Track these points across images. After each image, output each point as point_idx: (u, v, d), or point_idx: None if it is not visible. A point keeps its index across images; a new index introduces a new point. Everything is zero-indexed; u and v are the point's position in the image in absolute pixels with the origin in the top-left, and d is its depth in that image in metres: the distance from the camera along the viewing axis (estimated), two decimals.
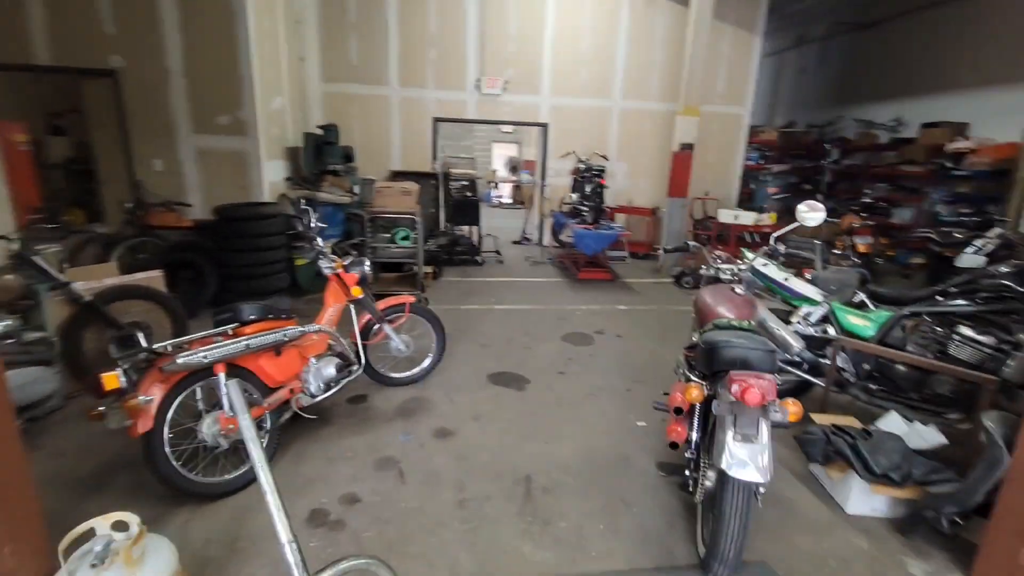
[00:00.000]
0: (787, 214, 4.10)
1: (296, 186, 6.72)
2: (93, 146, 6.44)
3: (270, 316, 2.73)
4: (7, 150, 8.03)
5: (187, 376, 2.36)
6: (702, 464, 2.18)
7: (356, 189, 7.93)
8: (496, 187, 17.52)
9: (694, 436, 2.20)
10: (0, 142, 7.98)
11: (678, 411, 2.05)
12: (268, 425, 2.70)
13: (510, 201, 17.15)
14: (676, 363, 2.86)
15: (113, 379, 2.11)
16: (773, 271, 3.45)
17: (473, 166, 18.68)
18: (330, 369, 2.98)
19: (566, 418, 3.37)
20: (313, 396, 2.92)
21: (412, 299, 3.60)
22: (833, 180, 10.15)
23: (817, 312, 3.34)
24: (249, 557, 2.12)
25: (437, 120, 8.75)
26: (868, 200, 8.39)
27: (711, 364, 2.02)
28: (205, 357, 2.31)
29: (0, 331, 2.76)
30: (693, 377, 2.21)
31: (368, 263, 3.43)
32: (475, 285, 6.68)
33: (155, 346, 2.26)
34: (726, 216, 7.00)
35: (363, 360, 3.27)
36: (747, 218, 6.86)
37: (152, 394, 2.23)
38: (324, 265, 3.22)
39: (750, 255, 3.27)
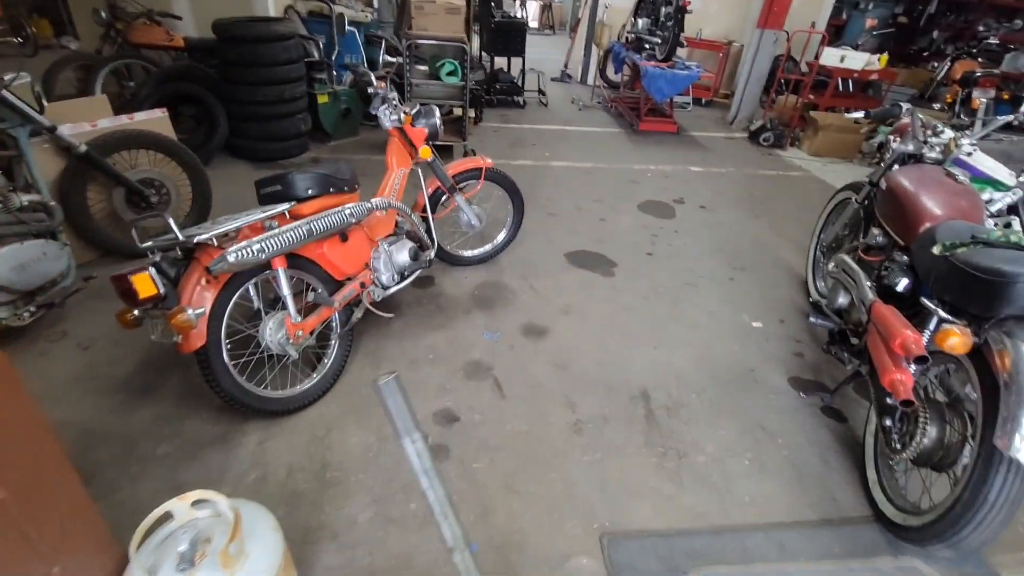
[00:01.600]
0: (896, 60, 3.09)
1: None
2: None
3: (331, 189, 2.06)
4: None
5: (238, 273, 1.80)
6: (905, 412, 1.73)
7: (376, 3, 6.51)
8: (523, 6, 14.98)
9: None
10: None
11: (921, 360, 1.52)
12: (337, 327, 2.21)
13: (535, 25, 14.81)
14: (838, 268, 2.27)
15: (147, 283, 1.55)
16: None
17: None
18: (404, 254, 2.41)
19: (669, 315, 2.90)
20: (385, 288, 2.39)
21: (489, 163, 2.87)
22: (940, 9, 8.39)
23: (1003, 200, 2.65)
24: (346, 492, 1.78)
25: None
26: (991, 39, 6.91)
27: (990, 303, 1.44)
28: (262, 251, 1.71)
29: None
30: (945, 315, 1.61)
31: (438, 114, 2.62)
32: (522, 134, 5.75)
33: (194, 234, 1.64)
34: (831, 57, 5.74)
35: (435, 240, 2.68)
36: (856, 60, 5.62)
37: (200, 304, 1.69)
38: (385, 114, 2.43)
39: (946, 129, 2.44)
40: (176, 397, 2.10)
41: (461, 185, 2.86)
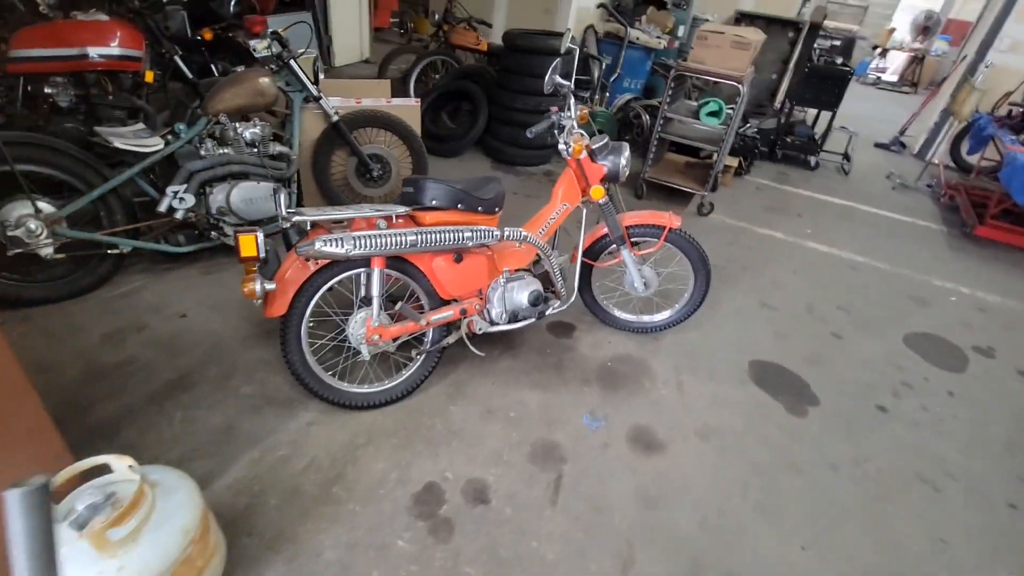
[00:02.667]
0: None
1: (607, 17, 5.44)
2: None
3: (459, 206, 1.93)
4: None
5: (338, 261, 1.82)
6: None
7: (681, 31, 6.20)
8: (883, 56, 12.55)
9: None
10: None
11: None
12: (426, 343, 2.10)
13: (894, 79, 12.23)
14: None
15: (250, 244, 1.66)
16: None
17: (860, 19, 13.68)
18: (523, 296, 2.14)
19: (859, 510, 1.93)
20: (493, 323, 2.18)
21: (675, 223, 2.35)
22: None
23: None
24: (334, 517, 1.66)
25: None
26: None
27: None
28: (349, 248, 1.68)
29: (248, 137, 2.70)
30: None
31: (627, 154, 2.24)
32: (791, 199, 4.75)
33: (295, 214, 1.70)
34: None
35: (576, 289, 2.33)
36: None
37: (287, 280, 1.76)
38: (561, 140, 2.18)
39: None
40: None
41: (635, 240, 2.42)
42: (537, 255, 2.23)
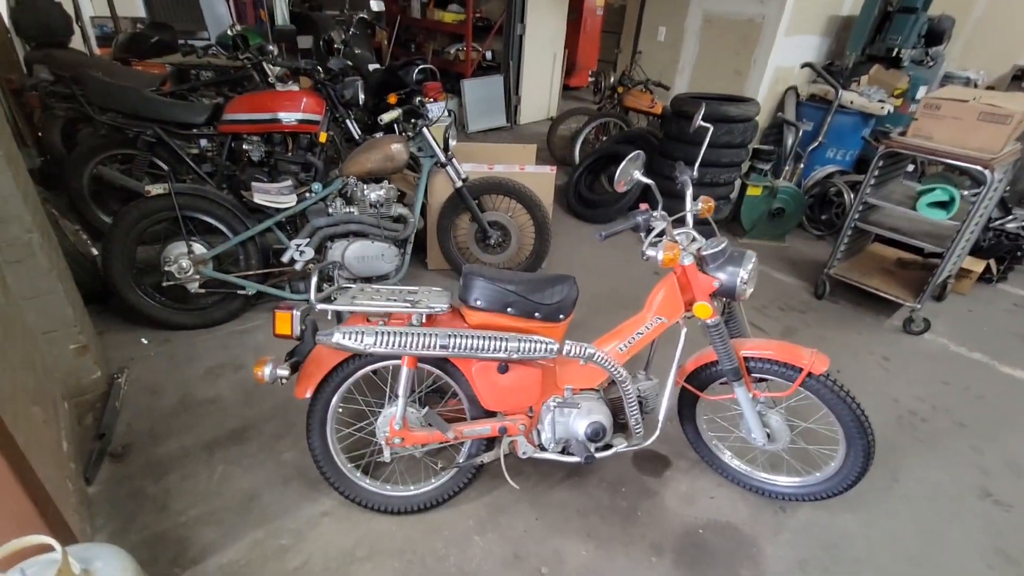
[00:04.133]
0: None
1: (815, 78, 4.61)
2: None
3: (508, 310, 1.64)
4: (586, 12, 8.91)
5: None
6: None
7: (921, 92, 4.98)
8: None
9: None
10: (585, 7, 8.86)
11: None
12: (462, 456, 1.82)
13: None
14: None
15: (285, 322, 1.61)
16: None
17: None
18: (581, 425, 1.73)
19: None
20: (542, 448, 1.80)
21: (819, 366, 1.68)
22: None
23: None
24: None
25: None
26: None
27: None
28: (369, 344, 1.52)
29: (372, 198, 2.81)
30: None
31: (751, 266, 1.67)
32: None
33: (326, 302, 1.59)
34: None
35: (660, 421, 1.80)
36: None
37: (315, 363, 1.66)
38: (646, 243, 1.67)
39: None
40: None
41: (759, 376, 1.80)
42: (610, 379, 1.79)
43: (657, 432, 1.80)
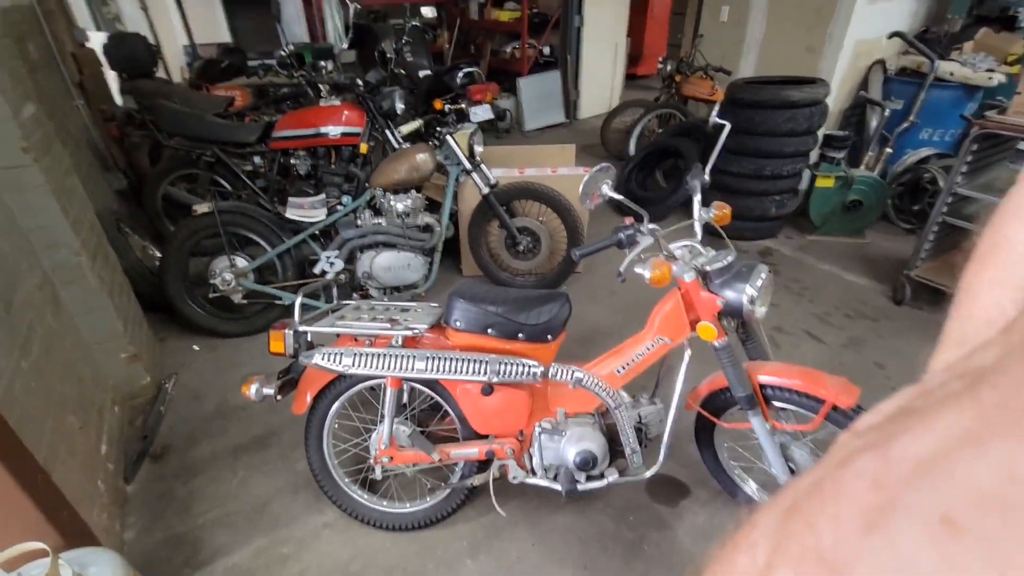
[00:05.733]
0: None
1: (906, 49, 4.03)
2: None
3: (488, 331, 1.57)
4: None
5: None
6: None
7: None
8: None
9: None
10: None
11: None
12: (454, 477, 1.78)
13: None
14: None
15: (279, 341, 1.67)
16: None
17: None
18: (570, 452, 1.63)
19: None
20: (532, 473, 1.72)
21: (846, 399, 1.44)
22: None
23: None
24: None
25: None
26: None
27: None
28: (347, 366, 1.53)
29: (399, 208, 2.84)
30: None
31: (762, 281, 1.46)
32: None
33: (310, 324, 1.62)
34: None
35: (663, 450, 1.65)
36: None
37: (308, 381, 1.70)
38: (627, 258, 1.50)
39: None
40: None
41: (779, 404, 1.59)
42: (602, 406, 1.66)
43: (658, 465, 1.65)
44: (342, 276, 2.86)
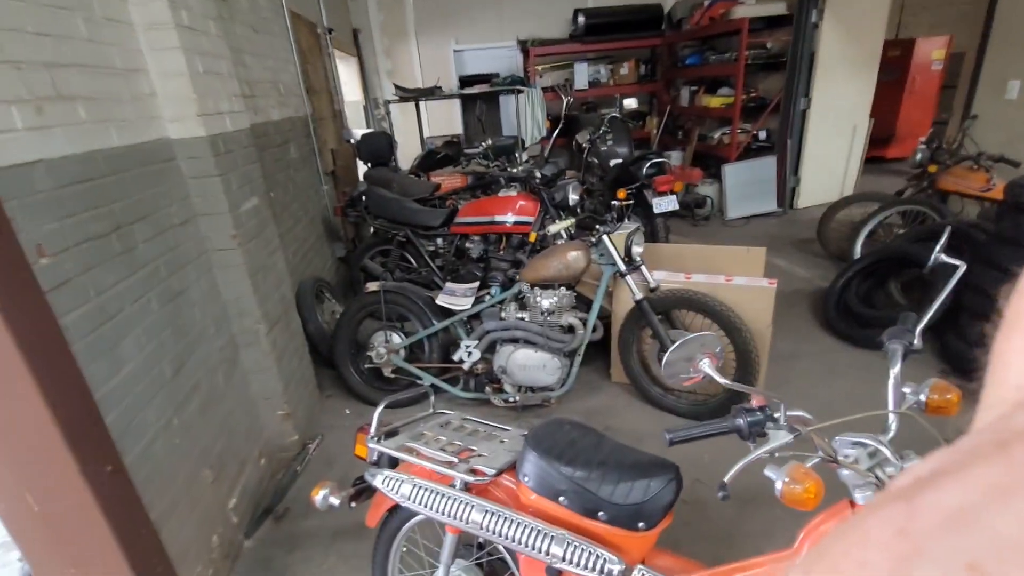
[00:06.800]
0: None
1: None
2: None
3: (561, 499, 1.26)
4: (914, 70, 7.19)
5: None
6: None
7: None
8: None
9: None
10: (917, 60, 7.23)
11: None
12: None
13: None
14: None
15: (362, 446, 1.63)
16: None
17: None
18: None
19: None
20: None
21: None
22: None
23: None
24: None
25: None
26: None
27: None
28: (404, 496, 1.38)
29: (544, 305, 2.69)
30: None
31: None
32: None
33: (389, 440, 1.53)
34: None
35: None
36: None
37: (383, 494, 1.59)
38: (772, 470, 1.01)
39: None
40: None
41: None
42: None
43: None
44: (479, 366, 2.82)
